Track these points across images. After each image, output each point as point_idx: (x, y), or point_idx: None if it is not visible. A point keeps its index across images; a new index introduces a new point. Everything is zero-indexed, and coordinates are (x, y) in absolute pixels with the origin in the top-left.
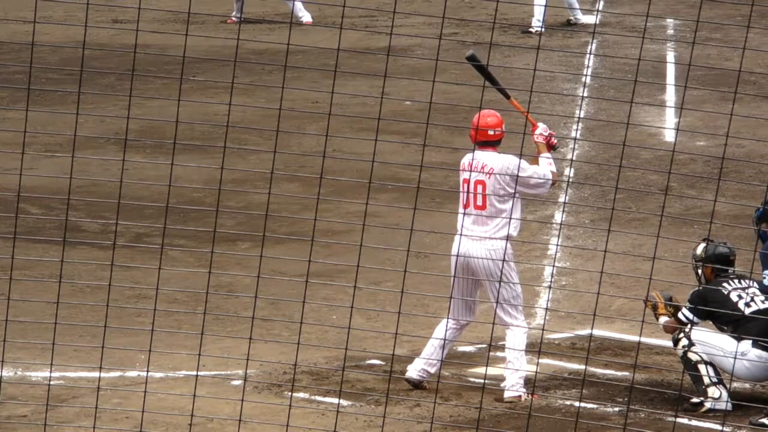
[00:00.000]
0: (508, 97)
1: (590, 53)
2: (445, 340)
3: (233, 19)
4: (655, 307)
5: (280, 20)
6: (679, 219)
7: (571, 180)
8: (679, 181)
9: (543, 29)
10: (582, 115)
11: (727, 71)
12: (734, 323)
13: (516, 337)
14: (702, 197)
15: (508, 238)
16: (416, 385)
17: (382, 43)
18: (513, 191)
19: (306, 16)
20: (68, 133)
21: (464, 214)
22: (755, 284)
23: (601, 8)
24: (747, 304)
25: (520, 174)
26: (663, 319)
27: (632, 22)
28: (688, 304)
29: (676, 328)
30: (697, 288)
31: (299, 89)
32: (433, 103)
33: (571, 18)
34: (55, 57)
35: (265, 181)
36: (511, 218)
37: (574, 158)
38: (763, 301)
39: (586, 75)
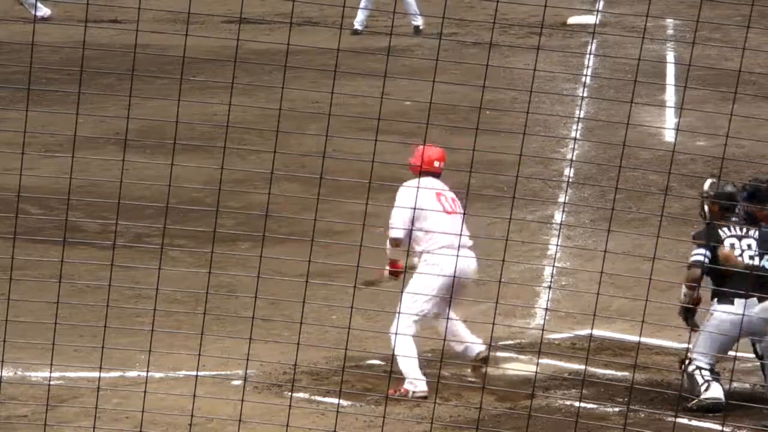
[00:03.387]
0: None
1: (590, 53)
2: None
3: None
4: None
5: (280, 20)
6: (679, 219)
7: (571, 180)
8: (679, 181)
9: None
10: (582, 115)
11: (727, 71)
12: (721, 277)
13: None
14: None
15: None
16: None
17: (382, 43)
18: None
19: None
20: (68, 133)
21: None
22: (756, 233)
23: (601, 8)
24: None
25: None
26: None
27: (632, 22)
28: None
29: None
30: (700, 226)
31: (299, 89)
32: (433, 103)
33: (417, 24)
34: (55, 57)
35: (265, 181)
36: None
37: (574, 158)
38: (752, 257)
39: (586, 75)
